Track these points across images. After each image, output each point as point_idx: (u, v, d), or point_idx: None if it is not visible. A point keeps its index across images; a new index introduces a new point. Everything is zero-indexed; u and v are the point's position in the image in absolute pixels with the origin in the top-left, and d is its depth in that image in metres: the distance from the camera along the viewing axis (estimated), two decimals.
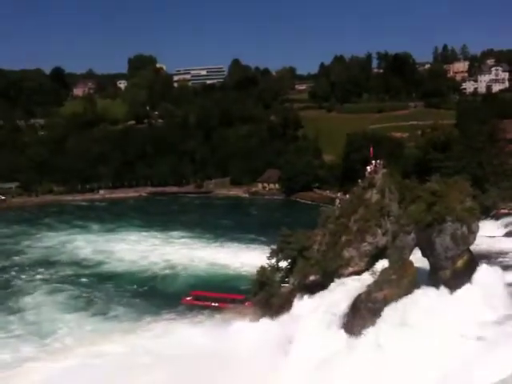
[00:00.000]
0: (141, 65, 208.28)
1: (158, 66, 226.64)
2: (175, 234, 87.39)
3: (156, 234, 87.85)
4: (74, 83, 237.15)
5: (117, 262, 72.06)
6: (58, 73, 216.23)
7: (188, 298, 53.07)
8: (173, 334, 43.08)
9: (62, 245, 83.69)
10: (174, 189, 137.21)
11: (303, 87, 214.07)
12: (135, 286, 60.94)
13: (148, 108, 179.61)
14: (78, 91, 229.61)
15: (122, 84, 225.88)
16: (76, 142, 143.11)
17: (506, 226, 64.89)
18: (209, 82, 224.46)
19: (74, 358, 40.23)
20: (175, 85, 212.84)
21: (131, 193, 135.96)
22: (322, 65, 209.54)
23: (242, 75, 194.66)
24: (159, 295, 56.54)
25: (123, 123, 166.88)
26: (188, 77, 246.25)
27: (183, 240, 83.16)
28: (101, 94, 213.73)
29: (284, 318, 38.80)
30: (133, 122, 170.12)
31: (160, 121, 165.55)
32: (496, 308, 30.49)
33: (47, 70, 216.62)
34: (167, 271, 66.77)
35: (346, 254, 39.19)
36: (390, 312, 31.60)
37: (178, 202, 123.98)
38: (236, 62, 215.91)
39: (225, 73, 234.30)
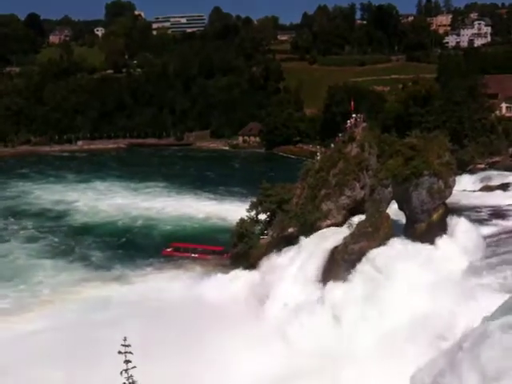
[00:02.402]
0: (119, 11, 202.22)
1: (136, 12, 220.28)
2: (157, 185, 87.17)
3: (137, 185, 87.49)
4: (50, 30, 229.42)
5: (96, 214, 71.83)
6: (33, 19, 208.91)
7: (168, 250, 53.55)
8: (152, 284, 43.71)
9: (41, 195, 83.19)
10: (154, 141, 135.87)
11: (285, 37, 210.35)
12: (114, 238, 60.80)
13: (126, 57, 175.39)
14: (54, 38, 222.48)
15: (100, 31, 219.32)
16: (52, 92, 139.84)
17: (482, 180, 65.88)
18: (189, 30, 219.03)
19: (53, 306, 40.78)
20: (154, 33, 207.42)
21: (110, 144, 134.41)
22: (304, 14, 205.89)
23: (223, 24, 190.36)
24: (139, 246, 56.63)
25: (100, 72, 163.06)
26: (167, 25, 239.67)
27: (165, 192, 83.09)
28: (77, 42, 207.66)
29: (262, 268, 39.54)
30: (110, 71, 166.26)
31: (138, 70, 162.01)
32: (470, 259, 31.44)
33: (22, 16, 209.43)
34: (148, 222, 66.72)
35: (325, 207, 39.77)
36: (365, 262, 32.37)
37: (160, 154, 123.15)
38: (217, 10, 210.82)
39: (205, 21, 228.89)
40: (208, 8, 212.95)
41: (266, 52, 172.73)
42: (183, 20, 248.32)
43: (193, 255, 51.60)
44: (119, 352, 10.65)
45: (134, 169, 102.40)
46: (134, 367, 10.72)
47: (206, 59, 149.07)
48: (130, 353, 10.67)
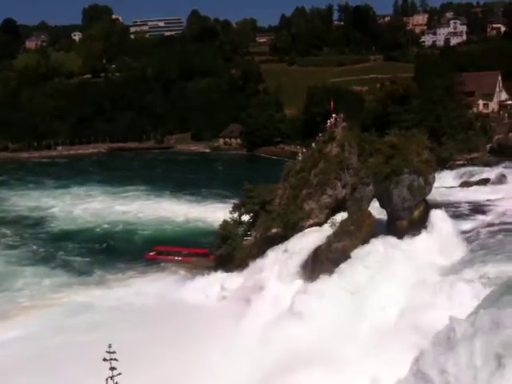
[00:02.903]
0: (96, 16, 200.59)
1: (113, 16, 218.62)
2: (137, 189, 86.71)
3: (117, 189, 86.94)
4: (27, 35, 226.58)
5: (77, 219, 71.17)
6: (9, 24, 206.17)
7: (151, 253, 53.22)
8: (135, 288, 43.37)
9: (18, 201, 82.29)
10: (134, 144, 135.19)
11: (264, 39, 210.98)
12: (95, 243, 60.08)
13: (104, 61, 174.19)
14: (31, 44, 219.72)
15: (77, 36, 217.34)
16: (30, 97, 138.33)
17: (461, 176, 66.83)
18: (167, 33, 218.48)
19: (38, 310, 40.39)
20: (132, 37, 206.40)
21: (90, 149, 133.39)
22: (282, 16, 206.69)
23: (201, 27, 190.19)
24: (120, 251, 56.14)
25: (78, 77, 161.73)
26: (145, 28, 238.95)
27: (145, 196, 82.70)
28: (54, 47, 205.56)
29: (246, 270, 39.58)
30: (89, 75, 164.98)
31: (117, 74, 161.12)
32: (450, 255, 31.88)
33: None
34: (129, 227, 66.27)
35: (307, 206, 39.95)
36: (349, 260, 32.62)
37: (141, 158, 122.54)
38: (195, 13, 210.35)
39: (183, 24, 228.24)
40: (186, 11, 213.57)
41: (244, 54, 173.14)
42: (161, 23, 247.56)
43: (176, 258, 51.36)
44: (104, 359, 10.58)
45: (114, 173, 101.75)
46: (120, 374, 10.66)
47: (184, 62, 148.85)
48: (115, 359, 10.61)
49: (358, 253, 32.46)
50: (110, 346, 10.60)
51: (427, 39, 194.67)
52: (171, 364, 27.24)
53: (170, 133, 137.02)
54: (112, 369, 10.61)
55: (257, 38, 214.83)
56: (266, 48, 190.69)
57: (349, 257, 32.72)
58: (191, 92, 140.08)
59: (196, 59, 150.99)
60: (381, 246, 32.39)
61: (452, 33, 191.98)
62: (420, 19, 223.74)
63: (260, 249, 40.64)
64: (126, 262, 51.64)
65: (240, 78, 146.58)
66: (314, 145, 45.05)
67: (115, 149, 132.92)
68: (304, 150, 47.26)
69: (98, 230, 65.80)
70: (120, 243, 59.58)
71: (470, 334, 19.89)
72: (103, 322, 34.09)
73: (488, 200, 47.41)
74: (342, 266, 32.34)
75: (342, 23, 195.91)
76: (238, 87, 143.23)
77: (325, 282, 31.97)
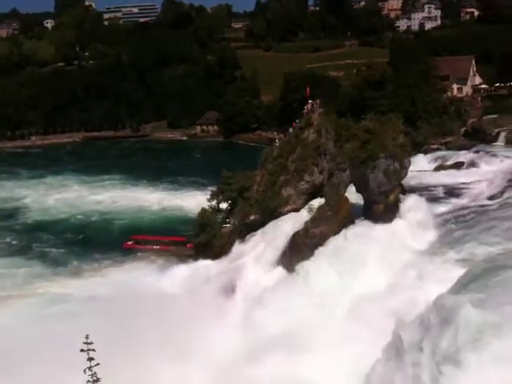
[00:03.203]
0: (68, 3, 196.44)
1: (86, 3, 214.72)
2: (113, 178, 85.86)
3: (93, 178, 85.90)
4: None
5: (51, 210, 70.11)
6: None
7: (129, 243, 52.92)
8: (112, 278, 43.14)
9: None
10: (110, 133, 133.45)
11: (239, 25, 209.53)
12: (72, 233, 59.51)
13: (77, 49, 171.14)
14: (2, 32, 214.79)
15: (49, 24, 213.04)
16: (3, 86, 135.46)
17: (436, 160, 67.78)
18: (141, 20, 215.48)
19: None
20: (106, 24, 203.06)
21: (64, 138, 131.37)
22: (258, 2, 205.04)
23: (176, 13, 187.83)
24: (97, 241, 55.43)
25: (52, 65, 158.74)
26: (119, 15, 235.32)
27: (122, 184, 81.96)
28: (27, 35, 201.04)
29: (225, 257, 39.68)
30: (62, 63, 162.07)
31: (91, 62, 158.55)
32: (424, 238, 32.41)
33: None
34: (105, 216, 65.62)
35: (285, 192, 40.13)
36: (326, 245, 32.93)
37: (117, 147, 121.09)
38: None
39: (158, 10, 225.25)
40: None
41: (220, 40, 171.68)
42: (135, 10, 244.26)
43: (154, 247, 51.20)
44: (81, 350, 10.52)
45: (89, 162, 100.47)
46: (98, 364, 10.62)
47: (160, 49, 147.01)
48: (93, 350, 10.56)
49: (333, 240, 32.72)
50: (87, 337, 10.56)
51: (402, 24, 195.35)
52: (150, 354, 27.24)
53: (145, 121, 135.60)
54: (90, 359, 10.57)
55: (232, 24, 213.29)
56: (241, 34, 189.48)
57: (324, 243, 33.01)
58: (167, 79, 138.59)
59: (171, 46, 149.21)
60: (357, 229, 32.76)
61: (426, 17, 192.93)
62: (395, 4, 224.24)
63: (239, 236, 40.77)
64: (103, 252, 51.19)
65: (216, 65, 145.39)
66: (291, 131, 45.16)
67: (90, 138, 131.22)
68: (281, 137, 47.35)
69: (73, 220, 65.06)
70: (96, 233, 58.96)
71: (416, 340, 20.14)
72: (79, 313, 33.86)
73: (462, 183, 48.20)
74: (321, 250, 32.65)
75: (318, 8, 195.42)
76: (215, 74, 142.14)
77: (300, 270, 32.21)
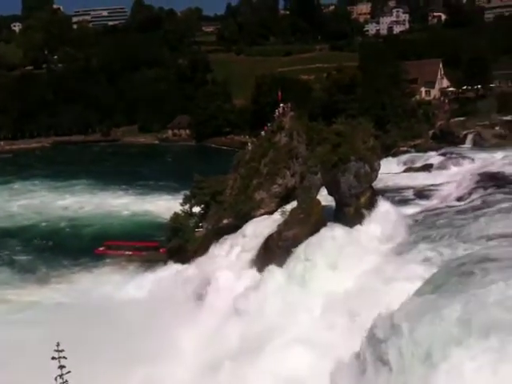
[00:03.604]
0: (36, 5, 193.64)
1: (54, 6, 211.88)
2: (84, 183, 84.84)
3: (63, 184, 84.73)
4: None
5: (16, 216, 68.86)
6: None
7: (101, 248, 52.38)
8: (82, 284, 42.58)
9: None
10: (80, 138, 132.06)
11: (210, 29, 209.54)
12: (40, 240, 58.48)
13: (46, 52, 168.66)
14: None
15: (17, 27, 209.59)
16: None
17: (405, 163, 68.88)
18: (111, 23, 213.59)
19: None
20: (74, 27, 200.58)
21: (34, 143, 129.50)
22: (228, 5, 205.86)
23: (146, 16, 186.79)
24: (67, 247, 54.73)
25: (20, 69, 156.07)
26: (88, 18, 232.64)
27: (92, 189, 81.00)
28: None
29: (198, 261, 39.60)
30: (30, 67, 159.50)
31: (60, 65, 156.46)
32: (394, 240, 32.94)
33: None
34: (75, 222, 64.80)
35: (258, 196, 40.35)
36: (299, 249, 33.19)
37: (88, 151, 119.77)
38: (138, 2, 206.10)
39: (127, 14, 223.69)
40: (129, 0, 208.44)
41: (191, 44, 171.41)
42: (104, 13, 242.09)
43: (126, 253, 50.76)
44: (53, 358, 10.47)
45: (59, 167, 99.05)
46: (69, 372, 10.58)
47: (130, 52, 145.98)
48: (64, 358, 10.52)
49: (305, 243, 33.00)
50: (58, 345, 10.50)
51: (371, 28, 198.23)
52: (117, 361, 26.83)
53: (116, 125, 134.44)
54: (61, 367, 10.52)
55: (203, 28, 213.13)
56: (212, 37, 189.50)
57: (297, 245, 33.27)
58: (137, 83, 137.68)
59: (141, 49, 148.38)
60: (329, 232, 33.13)
61: (395, 21, 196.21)
62: (364, 8, 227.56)
63: (212, 240, 40.75)
64: (72, 259, 50.46)
65: (187, 68, 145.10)
66: (263, 134, 45.40)
67: (60, 142, 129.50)
68: (254, 140, 47.55)
69: (41, 225, 64.06)
70: (65, 239, 58.13)
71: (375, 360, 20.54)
72: (47, 320, 33.35)
73: (431, 185, 49.09)
74: (293, 253, 32.90)
75: (288, 12, 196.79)
76: (186, 77, 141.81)
77: (270, 275, 32.38)
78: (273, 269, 32.84)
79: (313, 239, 33.39)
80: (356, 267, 29.66)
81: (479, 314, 18.73)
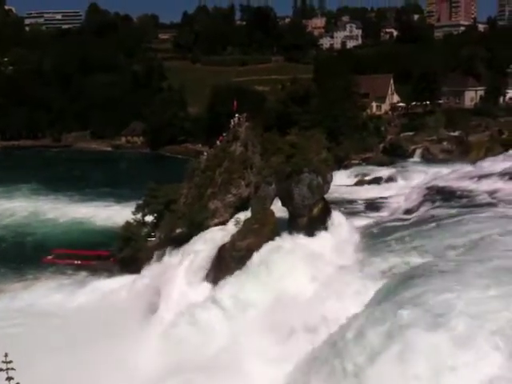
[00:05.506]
0: None
1: (6, 7, 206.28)
2: (31, 189, 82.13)
3: (7, 189, 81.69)
4: None
5: None
6: None
7: (49, 257, 50.66)
8: (25, 295, 40.94)
9: None
10: (29, 142, 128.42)
11: (167, 36, 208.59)
12: None
13: None
14: None
15: None
16: None
17: (357, 175, 70.47)
18: (64, 26, 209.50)
19: None
20: (27, 29, 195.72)
21: None
22: (185, 13, 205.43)
23: (101, 20, 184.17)
24: (10, 256, 51.78)
25: None
26: (41, 21, 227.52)
27: (41, 196, 78.55)
28: None
29: (150, 271, 39.10)
30: None
31: (10, 68, 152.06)
32: (345, 250, 33.59)
33: None
34: (19, 229, 62.42)
35: (212, 205, 40.21)
36: (252, 259, 33.35)
37: (38, 157, 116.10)
38: (94, 7, 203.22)
39: (82, 17, 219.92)
40: (84, 4, 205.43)
41: (147, 50, 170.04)
42: (58, 16, 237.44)
43: (76, 262, 49.49)
44: (0, 369, 10.26)
45: (3, 173, 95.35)
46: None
47: (84, 56, 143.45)
48: (13, 369, 10.32)
49: (258, 254, 33.19)
50: (6, 355, 10.29)
51: (325, 42, 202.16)
52: (61, 376, 26.01)
53: (68, 130, 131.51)
54: (9, 379, 10.31)
55: (159, 35, 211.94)
56: (168, 45, 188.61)
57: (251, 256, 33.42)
58: (91, 88, 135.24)
59: (96, 53, 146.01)
60: (281, 243, 33.45)
61: (348, 36, 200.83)
62: (318, 22, 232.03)
63: (164, 249, 40.33)
64: (14, 269, 48.46)
65: (143, 75, 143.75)
66: (218, 144, 45.42)
67: (8, 147, 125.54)
68: (209, 149, 47.48)
69: None
70: (9, 248, 55.46)
71: None
72: None
73: (381, 197, 50.38)
74: (246, 264, 33.02)
75: (244, 23, 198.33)
76: (141, 84, 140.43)
77: (220, 288, 32.36)
78: (225, 279, 32.83)
79: (265, 249, 33.62)
80: (306, 279, 30.03)
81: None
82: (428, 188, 49.11)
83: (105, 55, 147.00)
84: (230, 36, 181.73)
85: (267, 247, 33.75)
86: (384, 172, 67.27)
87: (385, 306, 22.03)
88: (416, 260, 28.39)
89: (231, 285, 32.32)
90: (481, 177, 48.60)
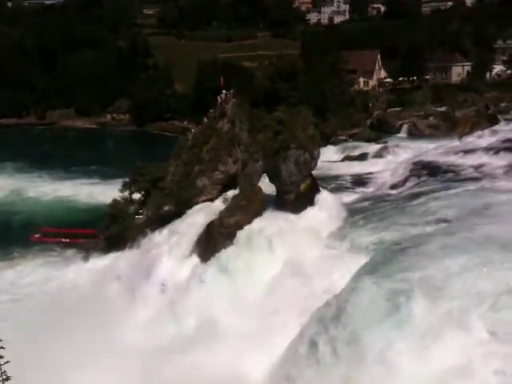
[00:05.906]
0: None
1: None
2: (16, 168, 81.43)
3: None
4: None
5: None
6: None
7: (37, 236, 50.64)
8: (13, 273, 41.00)
9: None
10: (13, 120, 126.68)
11: (151, 12, 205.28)
12: None
13: None
14: None
15: None
16: None
17: (343, 151, 70.63)
18: (47, 2, 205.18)
19: None
20: (9, 5, 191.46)
21: None
22: None
23: None
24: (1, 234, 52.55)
25: None
26: None
27: (26, 174, 77.96)
28: None
29: (137, 249, 39.10)
30: None
31: None
32: (332, 225, 33.83)
33: None
34: (10, 207, 62.38)
35: (199, 183, 40.15)
36: (240, 236, 33.50)
37: (23, 135, 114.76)
38: None
39: None
40: None
41: (132, 26, 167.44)
42: None
43: (63, 240, 49.43)
44: None
45: None
46: (8, 362, 10.46)
47: (67, 32, 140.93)
48: (2, 348, 10.39)
49: (246, 230, 33.31)
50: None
51: (312, 17, 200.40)
52: (52, 356, 26.02)
53: (52, 108, 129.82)
54: (6, 379, 10.45)
55: (144, 10, 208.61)
56: (153, 20, 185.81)
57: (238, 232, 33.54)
58: (75, 64, 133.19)
59: (80, 29, 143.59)
60: (269, 219, 33.59)
61: (336, 11, 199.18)
62: None
63: (152, 227, 40.32)
64: (4, 246, 48.26)
65: (128, 51, 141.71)
66: (205, 120, 45.13)
67: None
68: (196, 127, 47.18)
69: None
70: (1, 225, 55.69)
71: None
72: None
73: (368, 173, 50.59)
74: (234, 240, 33.17)
75: None
76: (126, 60, 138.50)
77: (214, 261, 32.50)
78: (215, 256, 32.96)
79: (253, 225, 33.75)
80: (294, 253, 30.27)
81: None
82: (414, 163, 49.37)
83: (89, 31, 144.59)
84: (215, 11, 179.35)
85: (254, 223, 33.91)
86: (370, 148, 67.49)
87: (370, 279, 22.34)
88: (401, 234, 28.70)
89: (217, 261, 32.48)
90: (466, 152, 48.91)
